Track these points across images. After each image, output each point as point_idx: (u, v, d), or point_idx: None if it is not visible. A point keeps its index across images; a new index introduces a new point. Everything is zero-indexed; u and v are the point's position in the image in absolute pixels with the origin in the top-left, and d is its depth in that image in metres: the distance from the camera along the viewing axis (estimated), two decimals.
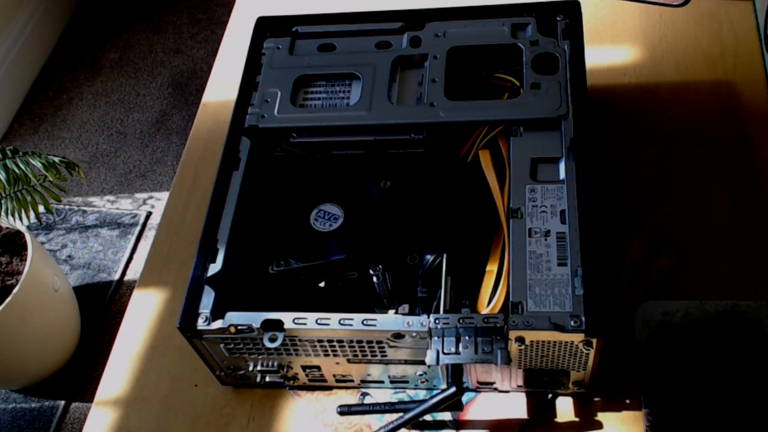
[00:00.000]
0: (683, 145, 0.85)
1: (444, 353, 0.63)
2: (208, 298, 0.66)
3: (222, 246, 0.69)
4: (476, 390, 0.71)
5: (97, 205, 1.89)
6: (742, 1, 0.97)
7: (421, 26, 0.83)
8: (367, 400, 0.73)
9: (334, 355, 0.68)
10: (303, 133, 0.77)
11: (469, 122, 0.75)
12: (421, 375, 0.69)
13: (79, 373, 1.58)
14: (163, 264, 0.87)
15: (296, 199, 0.76)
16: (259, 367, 0.70)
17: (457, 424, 0.70)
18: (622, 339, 0.71)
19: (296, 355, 0.68)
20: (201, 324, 0.65)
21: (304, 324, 0.64)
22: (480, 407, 0.70)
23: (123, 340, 0.81)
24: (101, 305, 1.68)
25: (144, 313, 0.83)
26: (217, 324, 0.65)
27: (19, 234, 1.46)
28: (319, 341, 0.66)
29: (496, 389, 0.70)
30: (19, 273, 1.40)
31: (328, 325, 0.64)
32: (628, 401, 0.69)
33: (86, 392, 1.55)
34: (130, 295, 0.99)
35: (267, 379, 0.72)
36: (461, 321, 0.62)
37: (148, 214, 1.84)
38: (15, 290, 1.35)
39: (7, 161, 1.26)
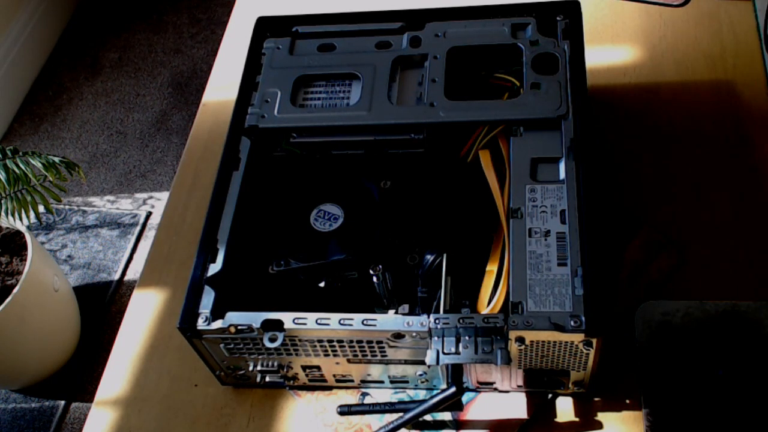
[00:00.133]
0: (683, 145, 0.85)
1: (444, 353, 0.63)
2: (208, 298, 0.66)
3: (222, 246, 0.69)
4: (476, 390, 0.71)
5: (97, 205, 1.89)
6: (742, 1, 0.97)
7: (421, 26, 0.83)
8: (367, 400, 0.73)
9: (334, 355, 0.68)
10: (303, 133, 0.77)
11: (469, 122, 0.75)
12: (421, 375, 0.69)
13: (79, 373, 1.58)
14: (163, 264, 0.87)
15: (296, 199, 0.76)
16: (259, 367, 0.70)
17: (457, 424, 0.70)
18: (622, 339, 0.71)
19: (296, 355, 0.68)
20: (201, 324, 0.65)
21: (304, 324, 0.64)
22: (480, 407, 0.70)
23: (123, 340, 0.81)
24: (101, 305, 1.68)
25: (144, 313, 0.83)
26: (217, 324, 0.65)
27: (19, 234, 1.46)
28: (319, 341, 0.66)
29: (496, 389, 0.70)
30: (19, 273, 1.40)
31: (328, 325, 0.64)
32: (628, 401, 0.69)
33: (86, 392, 1.56)
34: (130, 295, 0.99)
35: (267, 379, 0.72)
36: (461, 321, 0.62)
37: (148, 214, 1.84)
38: (15, 290, 1.36)
39: (7, 161, 1.26)
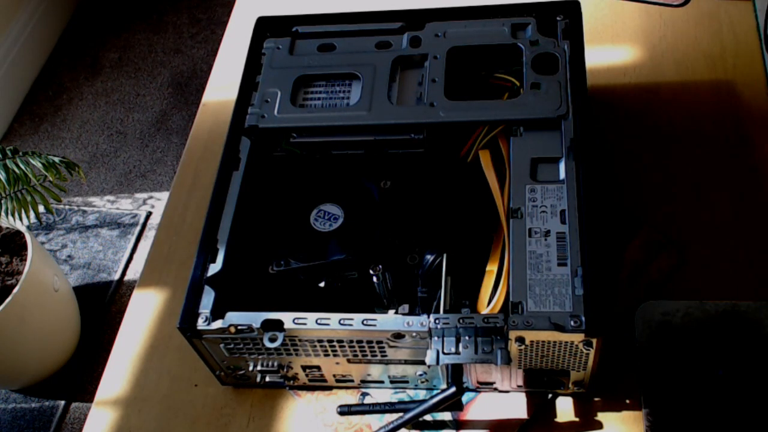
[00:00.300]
0: (683, 145, 0.85)
1: (444, 353, 0.63)
2: (208, 298, 0.66)
3: (222, 246, 0.69)
4: (476, 390, 0.71)
5: (97, 205, 1.89)
6: (742, 1, 0.97)
7: (421, 26, 0.83)
8: (367, 400, 0.73)
9: (334, 355, 0.68)
10: (303, 133, 0.77)
11: (469, 122, 0.75)
12: (421, 375, 0.69)
13: (79, 373, 1.58)
14: (163, 264, 0.87)
15: (296, 199, 0.76)
16: (259, 367, 0.70)
17: (457, 424, 0.70)
18: (622, 339, 0.71)
19: (296, 355, 0.68)
20: (201, 324, 0.65)
21: (304, 324, 0.64)
22: (480, 407, 0.70)
23: (123, 340, 0.81)
24: (101, 305, 1.68)
25: (144, 313, 0.83)
26: (217, 324, 0.65)
27: (19, 234, 1.46)
28: (319, 341, 0.66)
29: (496, 389, 0.70)
30: (19, 273, 1.40)
31: (328, 325, 0.64)
32: (628, 401, 0.69)
33: (86, 392, 1.56)
34: (130, 295, 0.99)
35: (267, 379, 0.72)
36: (461, 321, 0.62)
37: (148, 214, 1.84)
38: (15, 290, 1.36)
39: (7, 161, 1.26)
